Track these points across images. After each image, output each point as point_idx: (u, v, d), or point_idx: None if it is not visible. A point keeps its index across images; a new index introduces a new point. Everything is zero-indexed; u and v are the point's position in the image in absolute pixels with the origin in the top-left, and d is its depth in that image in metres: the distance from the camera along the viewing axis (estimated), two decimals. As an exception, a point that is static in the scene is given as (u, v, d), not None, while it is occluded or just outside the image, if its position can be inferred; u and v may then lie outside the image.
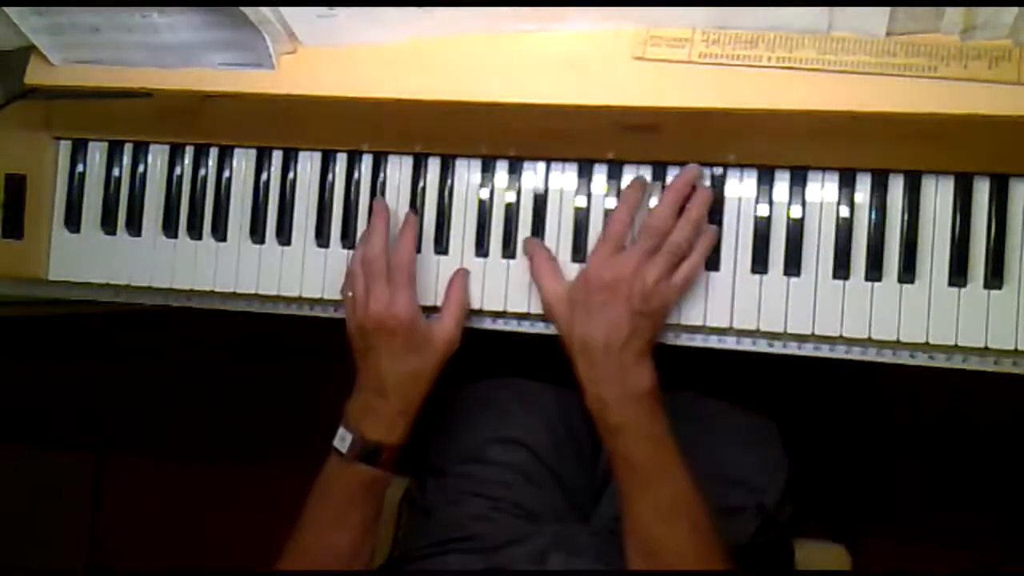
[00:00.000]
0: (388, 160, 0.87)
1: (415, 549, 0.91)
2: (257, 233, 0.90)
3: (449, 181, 0.86)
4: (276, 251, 0.89)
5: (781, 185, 0.80)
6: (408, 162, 0.87)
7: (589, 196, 0.83)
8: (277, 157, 0.90)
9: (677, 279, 0.77)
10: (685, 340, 0.82)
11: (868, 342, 0.78)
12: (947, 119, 0.72)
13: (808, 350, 0.79)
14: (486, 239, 0.85)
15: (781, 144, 0.79)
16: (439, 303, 0.85)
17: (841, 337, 0.78)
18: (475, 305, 0.85)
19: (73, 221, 0.93)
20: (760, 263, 0.79)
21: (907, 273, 0.77)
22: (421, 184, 0.87)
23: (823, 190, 0.79)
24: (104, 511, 1.73)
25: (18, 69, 0.86)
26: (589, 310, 0.77)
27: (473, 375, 1.02)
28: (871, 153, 0.77)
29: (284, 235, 0.89)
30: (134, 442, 1.72)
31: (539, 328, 0.85)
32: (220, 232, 0.90)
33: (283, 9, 0.78)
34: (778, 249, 0.79)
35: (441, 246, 0.86)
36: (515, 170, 0.85)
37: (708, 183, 0.80)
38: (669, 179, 0.81)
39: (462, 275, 0.85)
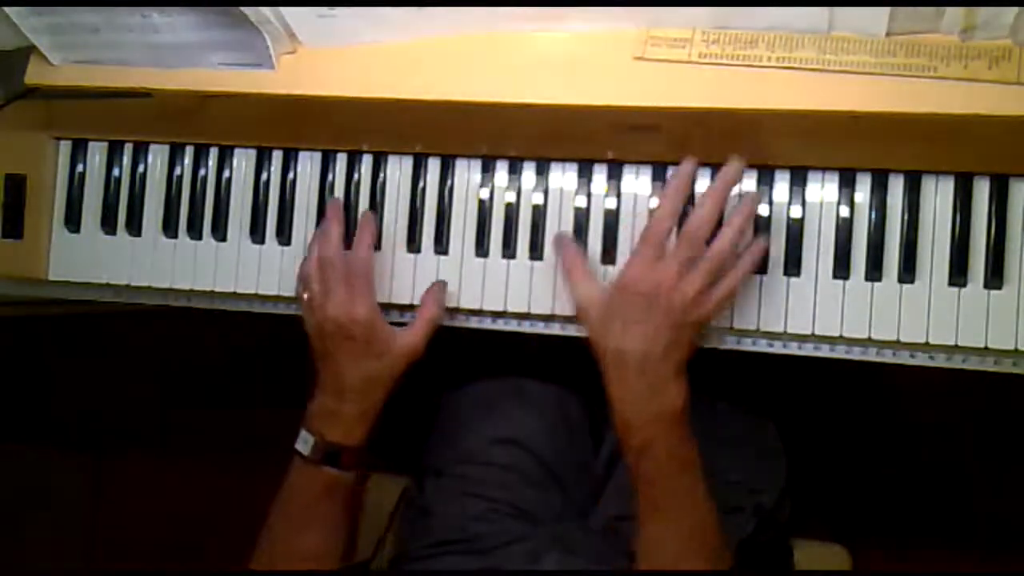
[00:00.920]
0: (388, 160, 0.87)
1: (414, 549, 0.91)
2: (257, 233, 0.90)
3: (449, 181, 0.86)
4: (276, 251, 0.89)
5: (781, 185, 0.80)
6: (408, 162, 0.87)
7: (589, 196, 0.83)
8: (277, 157, 0.90)
9: (718, 294, 0.73)
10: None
11: (868, 342, 0.78)
12: (947, 119, 0.72)
13: (808, 350, 0.79)
14: (486, 239, 0.85)
15: (781, 144, 0.78)
16: None
17: (841, 337, 0.78)
18: (475, 305, 0.85)
19: (73, 221, 0.93)
20: (760, 263, 0.79)
21: (907, 273, 0.77)
22: (421, 184, 0.87)
23: (823, 190, 0.79)
24: (104, 511, 1.73)
25: (18, 69, 0.86)
26: (625, 321, 0.73)
27: (473, 375, 1.02)
28: (871, 153, 0.77)
29: (284, 235, 0.89)
30: (134, 442, 1.71)
31: (539, 328, 0.85)
32: (220, 232, 0.90)
33: (283, 9, 0.78)
34: (778, 249, 0.79)
35: (441, 246, 0.86)
36: (515, 170, 0.85)
37: (754, 182, 0.78)
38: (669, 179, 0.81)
39: (438, 288, 0.84)
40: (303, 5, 0.77)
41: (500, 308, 0.84)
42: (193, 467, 1.68)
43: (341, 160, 0.89)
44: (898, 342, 0.77)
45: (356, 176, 0.88)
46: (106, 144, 0.92)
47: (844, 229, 0.78)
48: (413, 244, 0.86)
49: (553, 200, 0.84)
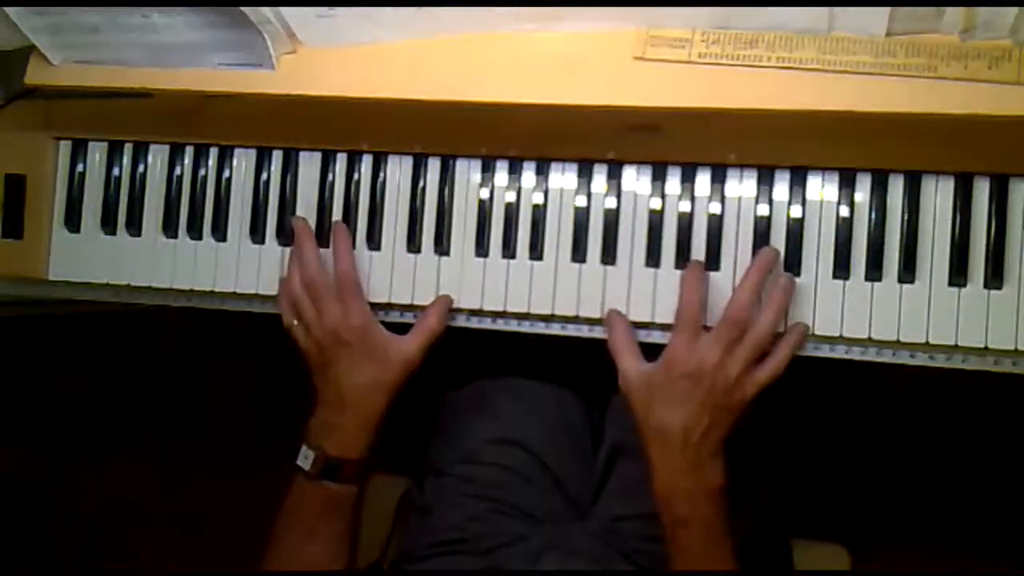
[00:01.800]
0: (388, 160, 0.87)
1: (413, 550, 0.91)
2: (257, 233, 0.90)
3: (449, 181, 0.86)
4: (276, 251, 0.89)
5: (781, 185, 0.80)
6: (408, 162, 0.87)
7: (589, 196, 0.83)
8: (277, 157, 0.90)
9: (760, 377, 0.75)
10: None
11: (868, 342, 0.78)
12: (947, 119, 0.72)
13: (808, 350, 0.79)
14: (486, 239, 0.85)
15: (781, 144, 0.78)
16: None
17: (841, 337, 0.78)
18: (475, 305, 0.85)
19: (73, 221, 0.93)
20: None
21: (907, 273, 0.77)
22: (421, 184, 0.86)
23: (823, 190, 0.79)
24: (104, 511, 1.72)
25: (18, 69, 0.86)
26: (669, 399, 0.75)
27: (473, 375, 1.02)
28: (871, 153, 0.77)
29: (284, 235, 0.89)
30: (134, 442, 1.71)
31: (539, 328, 0.85)
32: (220, 232, 0.90)
33: (283, 9, 0.78)
34: (778, 249, 0.79)
35: (441, 246, 0.86)
36: (515, 170, 0.85)
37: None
38: (669, 180, 0.81)
39: (444, 303, 0.84)
40: (303, 5, 0.77)
41: (500, 308, 0.84)
42: (193, 467, 1.68)
43: (341, 160, 0.89)
44: (898, 342, 0.77)
45: (356, 176, 0.88)
46: (106, 144, 0.92)
47: (844, 229, 0.78)
48: (413, 244, 0.86)
49: (553, 200, 0.84)
